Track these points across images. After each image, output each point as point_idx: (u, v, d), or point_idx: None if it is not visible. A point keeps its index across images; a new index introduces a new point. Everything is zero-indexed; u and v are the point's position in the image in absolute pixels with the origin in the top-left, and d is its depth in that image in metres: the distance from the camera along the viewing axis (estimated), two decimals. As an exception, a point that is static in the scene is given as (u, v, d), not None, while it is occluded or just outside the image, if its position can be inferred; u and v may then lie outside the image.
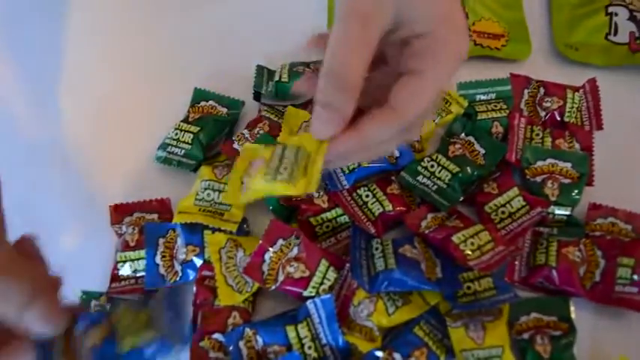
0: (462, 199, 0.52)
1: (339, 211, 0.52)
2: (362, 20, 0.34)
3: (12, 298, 0.29)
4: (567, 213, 0.51)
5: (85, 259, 0.54)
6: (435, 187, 0.52)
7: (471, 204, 0.53)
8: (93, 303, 0.51)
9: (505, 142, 0.54)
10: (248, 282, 0.49)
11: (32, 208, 0.57)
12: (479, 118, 0.56)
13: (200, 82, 0.61)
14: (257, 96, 0.59)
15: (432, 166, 0.53)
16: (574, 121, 0.56)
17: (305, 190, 0.37)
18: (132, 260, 0.52)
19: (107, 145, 0.61)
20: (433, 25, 0.36)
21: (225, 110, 0.60)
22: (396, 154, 0.53)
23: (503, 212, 0.51)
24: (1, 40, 0.68)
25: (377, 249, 0.49)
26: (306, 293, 0.48)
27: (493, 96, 0.57)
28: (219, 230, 0.51)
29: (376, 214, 0.51)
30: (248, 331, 0.47)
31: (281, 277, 0.48)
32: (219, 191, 0.54)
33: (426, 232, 0.49)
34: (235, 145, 0.55)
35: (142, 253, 0.52)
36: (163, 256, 0.52)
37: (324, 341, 0.46)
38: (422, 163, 0.53)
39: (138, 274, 0.52)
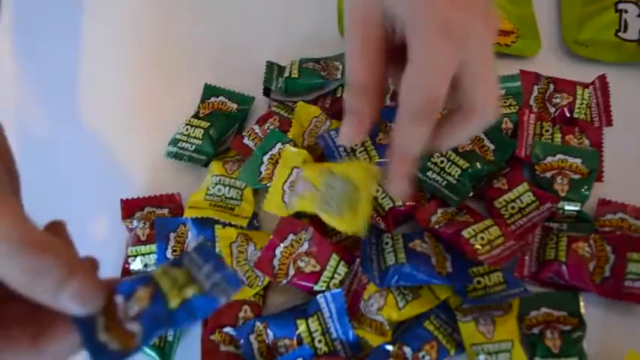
0: (471, 194, 0.52)
1: (350, 206, 0.52)
2: (360, 27, 0.38)
3: (48, 275, 0.27)
4: (577, 208, 0.51)
5: (96, 254, 0.53)
6: (445, 182, 0.52)
7: (480, 199, 0.53)
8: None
9: (515, 138, 0.54)
10: (259, 276, 0.50)
11: (43, 203, 0.57)
12: (489, 114, 0.56)
13: (210, 78, 0.62)
14: (267, 92, 0.60)
15: (442, 161, 0.53)
16: (584, 117, 0.56)
17: (351, 228, 0.42)
18: (143, 254, 0.53)
19: (119, 141, 0.61)
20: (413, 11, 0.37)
21: (235, 106, 0.60)
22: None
23: (513, 207, 0.51)
24: (19, 38, 0.69)
25: (387, 243, 0.49)
26: (316, 287, 0.48)
27: (503, 92, 0.57)
28: (230, 225, 0.52)
29: (386, 209, 0.51)
30: (259, 325, 0.47)
31: (292, 272, 0.48)
32: (230, 186, 0.54)
33: (436, 227, 0.49)
34: (245, 141, 0.55)
35: (153, 247, 0.53)
36: (174, 251, 0.52)
37: (334, 335, 0.46)
38: (432, 159, 0.53)
39: (149, 269, 0.52)
